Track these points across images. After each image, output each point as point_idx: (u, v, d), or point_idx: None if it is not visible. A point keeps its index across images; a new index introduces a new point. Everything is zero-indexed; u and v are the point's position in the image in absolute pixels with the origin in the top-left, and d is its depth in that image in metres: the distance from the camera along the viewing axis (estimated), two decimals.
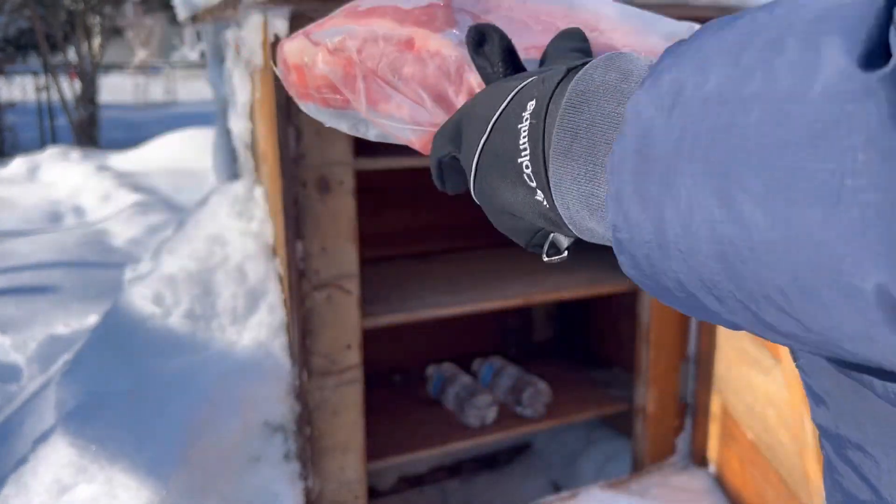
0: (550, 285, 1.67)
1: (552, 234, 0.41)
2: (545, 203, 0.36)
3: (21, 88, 9.47)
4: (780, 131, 0.22)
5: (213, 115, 2.06)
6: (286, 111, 1.21)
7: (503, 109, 0.39)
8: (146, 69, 14.32)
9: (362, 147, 1.37)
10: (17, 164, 6.01)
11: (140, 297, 1.41)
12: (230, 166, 1.82)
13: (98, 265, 3.39)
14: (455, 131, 0.43)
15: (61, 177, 5.56)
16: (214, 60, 1.80)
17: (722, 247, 0.24)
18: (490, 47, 0.43)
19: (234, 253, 1.43)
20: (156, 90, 14.13)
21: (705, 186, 0.25)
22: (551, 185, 0.35)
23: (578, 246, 0.43)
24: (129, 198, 4.64)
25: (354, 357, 1.34)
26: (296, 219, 1.25)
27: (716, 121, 0.25)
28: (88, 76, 8.34)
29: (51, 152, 6.28)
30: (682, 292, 0.28)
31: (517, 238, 0.42)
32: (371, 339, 1.46)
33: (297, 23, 1.16)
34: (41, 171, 5.87)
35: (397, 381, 1.95)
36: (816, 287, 0.22)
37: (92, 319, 2.60)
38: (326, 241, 1.29)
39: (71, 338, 2.47)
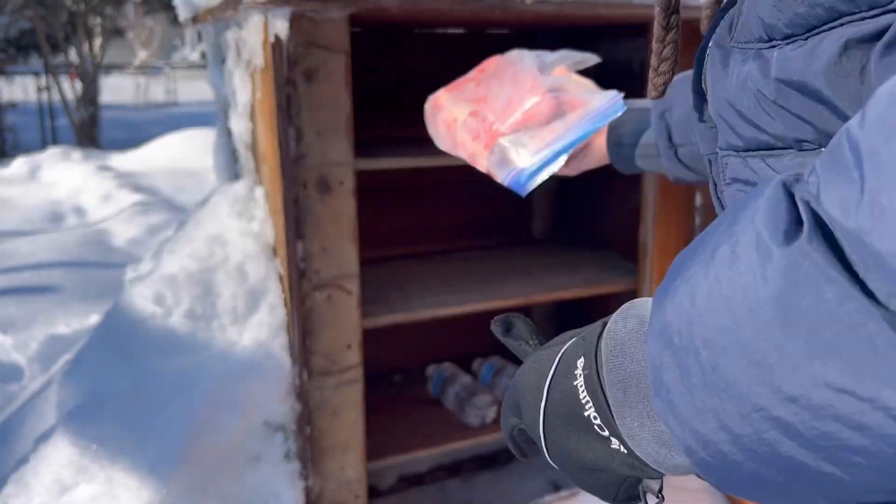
0: (550, 285, 1.68)
1: (643, 481, 0.41)
2: (622, 449, 0.38)
3: (22, 89, 9.48)
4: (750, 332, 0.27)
5: (213, 116, 2.07)
6: (286, 111, 1.21)
7: (553, 373, 0.42)
8: (147, 69, 14.33)
9: (362, 147, 1.37)
10: (18, 165, 6.01)
11: (141, 297, 1.41)
12: (231, 166, 1.83)
13: (99, 265, 3.39)
14: (514, 406, 0.46)
15: (62, 177, 5.56)
16: (215, 61, 1.81)
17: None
18: (518, 330, 0.49)
19: (235, 253, 1.43)
20: (156, 90, 14.14)
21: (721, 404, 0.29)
22: (623, 433, 0.37)
23: None
24: (129, 198, 4.64)
25: (354, 357, 1.35)
26: (296, 219, 1.26)
27: (703, 348, 0.29)
28: (89, 76, 8.35)
29: (52, 152, 6.28)
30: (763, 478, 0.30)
31: (604, 495, 0.42)
32: (371, 339, 1.46)
33: (297, 23, 1.16)
34: (42, 171, 5.87)
35: (397, 381, 1.95)
36: None
37: (93, 319, 2.61)
38: (327, 241, 1.29)
39: (72, 338, 2.47)
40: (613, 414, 0.37)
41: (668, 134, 0.77)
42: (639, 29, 1.52)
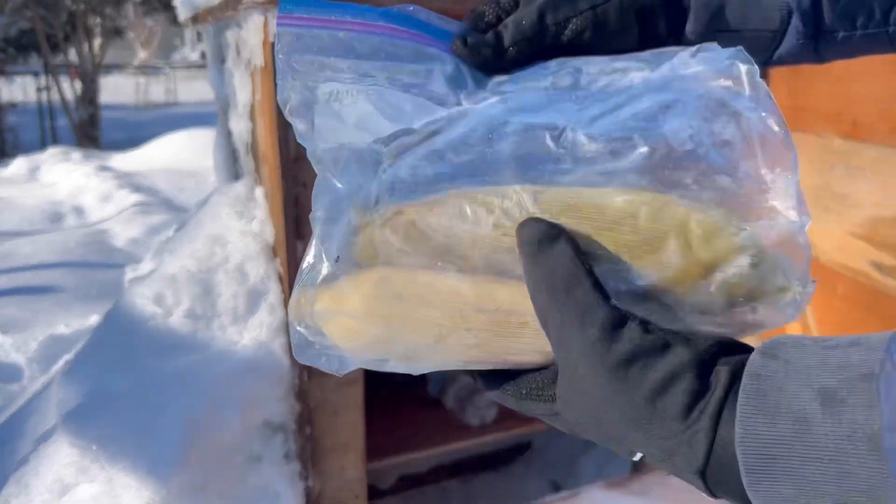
0: None
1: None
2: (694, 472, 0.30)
3: (22, 89, 9.49)
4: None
5: (213, 116, 2.07)
6: None
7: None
8: (147, 70, 14.34)
9: None
10: (18, 165, 6.02)
11: (141, 298, 1.41)
12: (231, 167, 1.83)
13: (99, 265, 3.39)
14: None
15: (62, 177, 5.57)
16: (215, 61, 1.81)
17: None
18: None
19: (235, 253, 1.43)
20: (156, 91, 14.14)
21: None
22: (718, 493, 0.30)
23: None
24: (129, 198, 4.65)
25: None
26: (296, 219, 1.26)
27: None
28: (89, 77, 8.35)
29: (52, 153, 6.29)
30: None
31: (607, 442, 0.34)
32: None
33: None
34: (42, 171, 5.88)
35: (397, 381, 1.95)
36: None
37: (93, 319, 2.61)
38: None
39: (72, 338, 2.48)
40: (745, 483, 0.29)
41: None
42: None
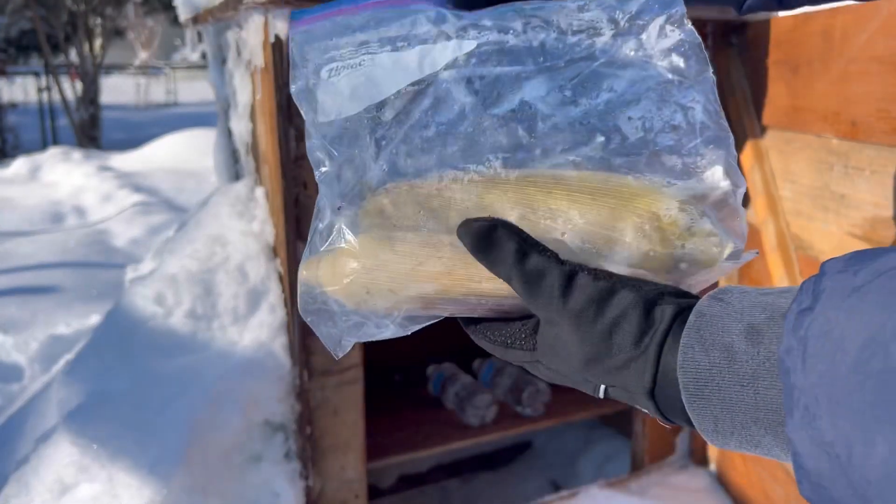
0: None
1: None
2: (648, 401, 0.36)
3: (22, 89, 9.49)
4: None
5: (214, 116, 2.07)
6: (287, 112, 1.21)
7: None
8: (147, 70, 14.33)
9: None
10: (19, 165, 6.02)
11: (141, 297, 1.42)
12: (231, 167, 1.83)
13: (99, 265, 3.40)
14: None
15: (63, 177, 5.57)
16: (215, 61, 1.81)
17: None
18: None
19: (236, 253, 1.44)
20: (157, 91, 14.14)
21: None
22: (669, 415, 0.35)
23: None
24: (130, 198, 4.65)
25: (355, 357, 1.35)
26: (296, 219, 1.26)
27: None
28: (90, 77, 8.35)
29: (52, 153, 6.29)
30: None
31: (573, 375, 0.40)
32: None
33: None
34: (43, 171, 5.88)
35: (397, 381, 1.95)
36: None
37: (93, 319, 2.61)
38: None
39: (73, 338, 2.48)
40: (688, 410, 0.34)
41: None
42: None
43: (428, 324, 0.46)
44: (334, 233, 0.44)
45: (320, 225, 0.45)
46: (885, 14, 1.05)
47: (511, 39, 0.45)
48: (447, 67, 0.45)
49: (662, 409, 0.35)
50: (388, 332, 0.46)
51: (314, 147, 0.44)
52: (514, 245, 0.38)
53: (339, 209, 0.43)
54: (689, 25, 0.45)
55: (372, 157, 0.43)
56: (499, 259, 0.39)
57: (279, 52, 1.18)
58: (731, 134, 0.41)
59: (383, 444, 1.59)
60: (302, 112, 0.45)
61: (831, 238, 1.21)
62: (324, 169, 0.44)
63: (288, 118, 1.21)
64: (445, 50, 0.45)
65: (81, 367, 1.42)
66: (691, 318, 0.34)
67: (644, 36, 0.45)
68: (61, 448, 1.22)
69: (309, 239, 0.46)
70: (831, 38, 1.15)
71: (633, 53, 0.44)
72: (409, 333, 0.47)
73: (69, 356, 1.95)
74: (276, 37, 1.17)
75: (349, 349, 0.47)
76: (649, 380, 0.35)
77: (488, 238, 0.39)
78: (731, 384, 0.31)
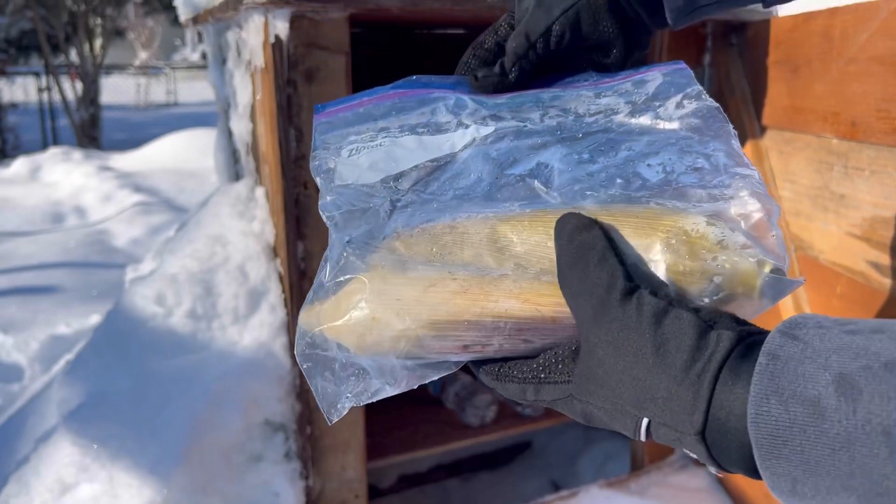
0: None
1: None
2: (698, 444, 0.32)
3: (23, 89, 9.48)
4: None
5: (214, 116, 2.07)
6: (287, 112, 1.21)
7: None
8: (147, 70, 14.33)
9: None
10: (19, 165, 6.02)
11: (142, 298, 1.42)
12: (232, 167, 1.83)
13: (100, 265, 3.40)
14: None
15: (63, 177, 5.57)
16: (215, 61, 1.81)
17: None
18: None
19: (236, 253, 1.44)
20: (157, 91, 14.14)
21: None
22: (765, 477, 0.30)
23: None
24: (130, 198, 4.65)
25: None
26: (297, 219, 1.26)
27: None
28: (90, 77, 8.35)
29: (53, 153, 6.29)
30: None
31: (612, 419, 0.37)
32: None
33: (297, 24, 1.17)
34: (43, 171, 5.88)
35: None
36: None
37: (94, 319, 2.61)
38: (327, 242, 1.29)
39: (73, 338, 2.48)
40: (759, 465, 0.30)
41: None
42: None
43: (438, 377, 0.44)
44: (343, 260, 0.43)
45: (327, 265, 0.45)
46: (884, 14, 1.05)
47: (529, 125, 0.46)
48: (465, 147, 0.45)
49: (715, 454, 0.31)
50: (393, 381, 0.45)
51: (326, 206, 0.45)
52: (602, 243, 0.37)
53: (348, 242, 0.43)
54: (707, 99, 0.44)
55: (386, 213, 0.43)
56: (581, 251, 0.37)
57: (279, 53, 1.18)
58: (756, 171, 0.39)
59: (383, 443, 1.59)
60: (318, 183, 0.46)
61: (831, 238, 1.21)
62: (335, 216, 0.44)
63: (288, 118, 1.22)
64: (465, 137, 0.46)
65: (81, 367, 1.42)
66: (762, 359, 0.29)
67: (661, 110, 0.45)
68: (61, 448, 1.22)
69: (314, 285, 0.45)
70: (831, 38, 1.15)
71: (650, 122, 0.44)
72: (416, 387, 0.45)
73: (69, 356, 1.95)
74: (276, 37, 1.17)
75: (344, 414, 0.44)
76: (700, 420, 0.30)
77: (585, 230, 0.38)
78: (819, 446, 0.27)
